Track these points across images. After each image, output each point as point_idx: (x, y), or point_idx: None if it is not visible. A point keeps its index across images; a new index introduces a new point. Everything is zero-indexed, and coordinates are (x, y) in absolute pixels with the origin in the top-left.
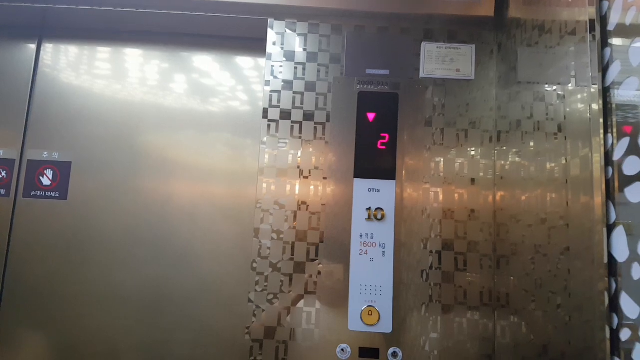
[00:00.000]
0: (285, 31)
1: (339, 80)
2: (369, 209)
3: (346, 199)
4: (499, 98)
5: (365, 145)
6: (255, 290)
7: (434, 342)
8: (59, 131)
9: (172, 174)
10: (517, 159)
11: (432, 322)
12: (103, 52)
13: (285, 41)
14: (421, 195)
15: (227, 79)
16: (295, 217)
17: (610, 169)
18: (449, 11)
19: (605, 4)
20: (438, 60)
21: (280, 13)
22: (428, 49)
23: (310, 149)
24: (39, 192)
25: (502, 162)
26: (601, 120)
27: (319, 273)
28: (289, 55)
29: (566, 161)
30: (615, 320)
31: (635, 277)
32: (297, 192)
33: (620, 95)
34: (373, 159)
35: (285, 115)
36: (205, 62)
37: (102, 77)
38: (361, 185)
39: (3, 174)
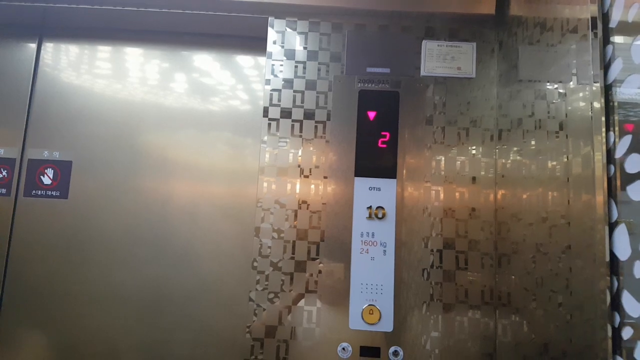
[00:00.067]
0: (286, 30)
1: (340, 79)
2: (370, 207)
3: (347, 197)
4: (500, 96)
5: (365, 144)
6: (256, 289)
7: (435, 341)
8: (60, 130)
9: (173, 173)
10: (518, 157)
11: (433, 320)
12: (103, 52)
13: (285, 40)
14: (422, 194)
15: (227, 78)
16: (295, 216)
17: (612, 167)
18: (450, 9)
19: (607, 1)
20: (439, 59)
21: (280, 11)
22: (429, 47)
23: (311, 148)
24: (39, 192)
25: (503, 161)
26: (603, 118)
27: (320, 272)
28: (290, 54)
29: (567, 159)
30: (617, 318)
31: (637, 276)
32: (297, 191)
33: (622, 93)
34: (374, 158)
35: (286, 114)
36: (205, 61)
37: (102, 76)
38: (362, 184)
39: (4, 173)
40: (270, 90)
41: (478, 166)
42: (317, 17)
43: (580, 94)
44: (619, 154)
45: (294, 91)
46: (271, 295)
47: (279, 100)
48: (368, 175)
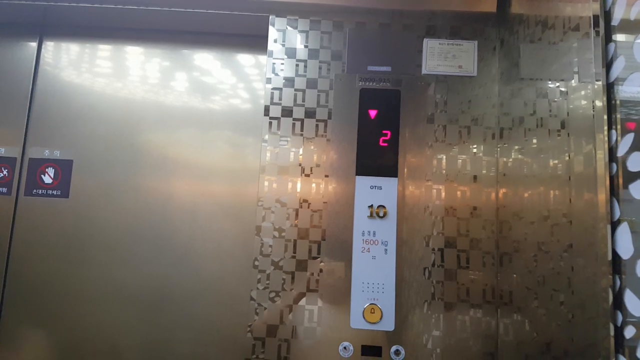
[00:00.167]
0: (287, 28)
1: (341, 77)
2: (371, 206)
3: (348, 196)
4: (501, 94)
5: (367, 143)
6: (257, 288)
7: (437, 340)
8: (60, 129)
9: (173, 172)
10: (519, 155)
11: (434, 319)
12: (104, 50)
13: (286, 38)
14: (423, 193)
15: (228, 77)
16: (296, 214)
17: (614, 165)
18: (451, 7)
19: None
20: (440, 57)
21: (281, 10)
22: (430, 45)
23: (312, 147)
24: (40, 191)
25: (505, 159)
26: (605, 117)
27: (321, 271)
28: (290, 53)
29: (569, 158)
30: (620, 317)
31: None
32: (298, 189)
33: (624, 91)
34: (375, 156)
35: (287, 112)
36: (206, 60)
37: (103, 75)
38: (363, 183)
39: (4, 172)
40: (271, 89)
41: (479, 165)
42: (318, 16)
43: (582, 92)
44: (621, 152)
45: (295, 90)
46: (272, 295)
47: (280, 98)
48: (369, 174)
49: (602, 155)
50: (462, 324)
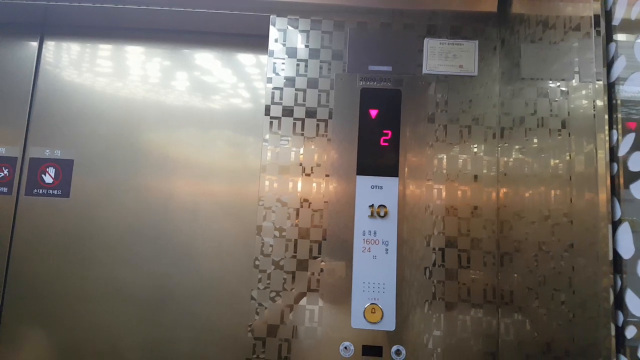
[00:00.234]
0: (287, 28)
1: (341, 77)
2: (372, 206)
3: (349, 196)
4: (502, 94)
5: (367, 142)
6: (257, 287)
7: (437, 340)
8: (61, 129)
9: (174, 171)
10: (520, 155)
11: (435, 319)
12: (105, 50)
13: (287, 38)
14: (424, 192)
15: (228, 76)
16: (297, 214)
17: (615, 165)
18: (452, 7)
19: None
20: (441, 57)
21: (282, 9)
22: (431, 45)
23: (313, 146)
24: (41, 190)
25: (506, 159)
26: (606, 116)
27: (322, 270)
28: (291, 52)
29: (570, 157)
30: (621, 317)
31: None
32: (299, 189)
33: (625, 91)
34: (376, 156)
35: (288, 112)
36: (206, 60)
37: (103, 74)
38: (364, 182)
39: (5, 172)
40: (272, 89)
41: (480, 164)
42: (319, 15)
43: (583, 92)
44: (622, 152)
45: (296, 89)
46: (273, 294)
47: (281, 98)
48: (370, 174)
49: (603, 155)
50: (463, 324)
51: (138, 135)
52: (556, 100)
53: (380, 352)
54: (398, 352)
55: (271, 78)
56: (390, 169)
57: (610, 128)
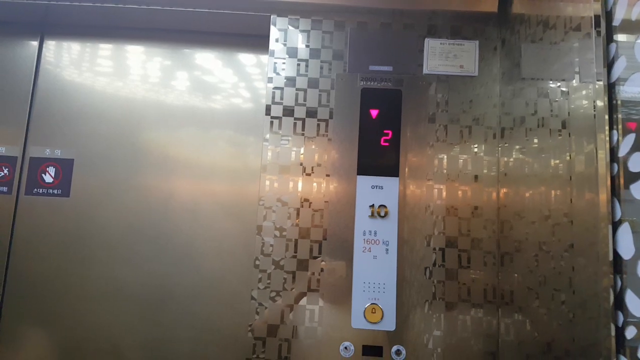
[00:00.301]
0: (288, 27)
1: (342, 77)
2: (372, 206)
3: (349, 196)
4: (502, 94)
5: (368, 142)
6: (257, 287)
7: (438, 340)
8: (61, 128)
9: (174, 171)
10: (520, 155)
11: (435, 319)
12: (105, 49)
13: (287, 38)
14: (424, 192)
15: (229, 76)
16: (298, 214)
17: (615, 166)
18: (453, 7)
19: (611, 0)
20: (441, 57)
21: (282, 9)
22: (431, 45)
23: (313, 146)
24: (41, 190)
25: (506, 159)
26: (606, 117)
27: (322, 270)
28: (292, 52)
29: (570, 158)
30: (621, 317)
31: None
32: (299, 189)
33: (625, 91)
34: (376, 156)
35: (288, 112)
36: (207, 59)
37: (104, 74)
38: (364, 182)
39: (5, 171)
40: (273, 88)
41: (480, 164)
42: (320, 15)
43: (583, 92)
44: (622, 152)
45: (297, 89)
46: (273, 294)
47: (281, 98)
48: (370, 174)
49: (603, 155)
50: (463, 324)
51: (138, 134)
52: (556, 101)
53: (381, 352)
54: (398, 352)
55: (272, 78)
56: (390, 169)
57: (611, 128)
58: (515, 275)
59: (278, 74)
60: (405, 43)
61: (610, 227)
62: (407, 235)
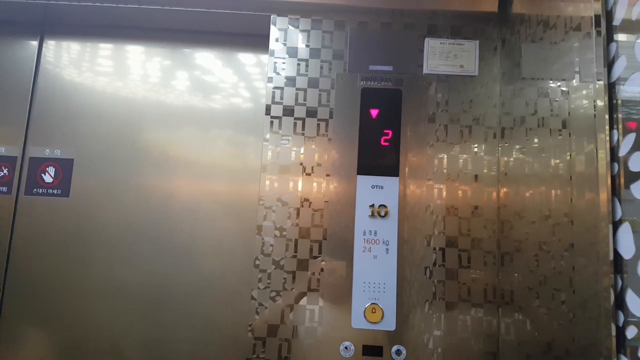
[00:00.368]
0: (288, 27)
1: (342, 77)
2: (372, 205)
3: (349, 195)
4: (502, 94)
5: (368, 142)
6: (257, 287)
7: (438, 340)
8: (61, 128)
9: (174, 171)
10: (520, 155)
11: (435, 319)
12: (105, 49)
13: (288, 37)
14: (424, 192)
15: (229, 76)
16: (298, 214)
17: (615, 165)
18: (453, 7)
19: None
20: (441, 56)
21: (282, 9)
22: (431, 44)
23: (313, 146)
24: (40, 190)
25: (506, 159)
26: (606, 116)
27: (322, 270)
28: (292, 52)
29: (570, 157)
30: (621, 317)
31: None
32: (299, 189)
33: (626, 91)
34: (376, 156)
35: (288, 111)
36: (207, 59)
37: (104, 74)
38: (364, 182)
39: (5, 171)
40: (273, 88)
41: (480, 164)
42: (320, 15)
43: (584, 92)
44: (622, 152)
45: (297, 89)
46: (273, 294)
47: (282, 98)
48: (370, 174)
49: (603, 155)
50: (463, 324)
51: (138, 134)
52: (557, 100)
53: (381, 352)
54: (398, 352)
55: (272, 77)
56: (390, 169)
57: (611, 128)
58: (516, 275)
59: (278, 73)
60: (405, 43)
61: (610, 227)
62: (407, 235)
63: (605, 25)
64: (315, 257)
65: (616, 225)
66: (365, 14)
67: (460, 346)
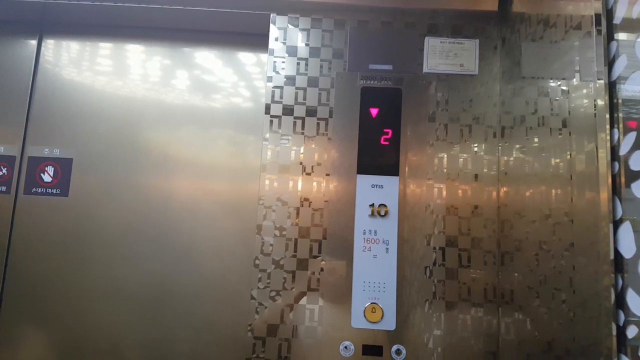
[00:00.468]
0: (288, 26)
1: (342, 76)
2: (372, 205)
3: (349, 195)
4: (502, 93)
5: (368, 141)
6: (257, 287)
7: (438, 339)
8: (60, 127)
9: (174, 170)
10: (521, 154)
11: (435, 319)
12: (104, 48)
13: (287, 36)
14: (424, 192)
15: (229, 75)
16: (297, 213)
17: (616, 164)
18: (453, 6)
19: None
20: (441, 55)
21: (282, 8)
22: (431, 43)
23: (313, 145)
24: (39, 189)
25: (506, 158)
26: (607, 115)
27: (322, 270)
28: (292, 51)
29: (571, 157)
30: (622, 317)
31: None
32: (299, 188)
33: (626, 90)
34: (376, 155)
35: (288, 111)
36: (207, 58)
37: (103, 73)
38: (364, 182)
39: (4, 170)
40: (272, 87)
41: (481, 163)
42: (320, 14)
43: (584, 91)
44: (623, 151)
45: (296, 88)
46: (273, 294)
47: (281, 97)
48: (370, 173)
49: (604, 154)
50: (463, 323)
51: (138, 134)
52: (557, 99)
53: (381, 352)
54: (398, 352)
55: (271, 77)
56: (390, 168)
57: (612, 127)
58: (516, 274)
59: (278, 72)
60: (405, 42)
61: (611, 226)
62: (407, 235)
63: (606, 24)
64: (315, 257)
65: (617, 224)
66: (365, 12)
67: (460, 346)
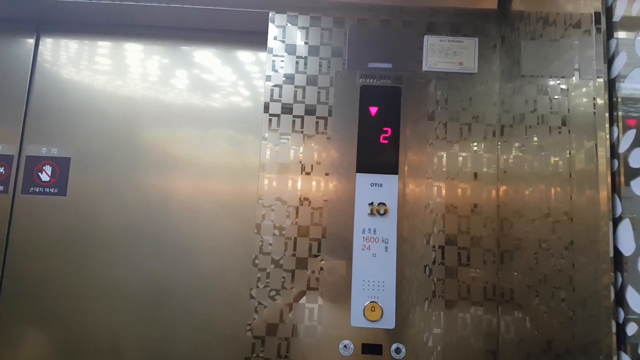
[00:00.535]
0: (287, 24)
1: (341, 74)
2: (372, 204)
3: (348, 194)
4: (502, 92)
5: (367, 140)
6: (257, 286)
7: (438, 338)
8: (58, 127)
9: (173, 169)
10: (520, 153)
11: (435, 317)
12: (103, 47)
13: (286, 35)
14: (424, 190)
15: (228, 74)
16: (297, 212)
17: (615, 162)
18: (452, 4)
19: None
20: (441, 54)
21: (281, 6)
22: (431, 42)
23: (312, 144)
24: (37, 189)
25: (505, 157)
26: (606, 114)
27: (321, 269)
28: (291, 49)
29: (570, 155)
30: (621, 314)
31: None
32: (299, 187)
33: (626, 87)
34: (375, 154)
35: (287, 109)
36: (206, 57)
37: (102, 72)
38: (363, 180)
39: (1, 170)
40: (271, 86)
41: (480, 162)
42: (319, 12)
43: (583, 89)
44: (622, 149)
45: (295, 87)
46: (272, 293)
47: (280, 96)
48: (370, 172)
49: (603, 152)
50: (463, 322)
51: (137, 133)
52: (556, 98)
53: (380, 351)
54: (398, 350)
55: (270, 75)
56: (390, 167)
57: (611, 125)
58: (515, 273)
59: (276, 71)
60: (404, 40)
61: (610, 224)
62: (406, 233)
63: (605, 22)
64: (315, 256)
65: (616, 222)
66: (364, 11)
67: (460, 344)
